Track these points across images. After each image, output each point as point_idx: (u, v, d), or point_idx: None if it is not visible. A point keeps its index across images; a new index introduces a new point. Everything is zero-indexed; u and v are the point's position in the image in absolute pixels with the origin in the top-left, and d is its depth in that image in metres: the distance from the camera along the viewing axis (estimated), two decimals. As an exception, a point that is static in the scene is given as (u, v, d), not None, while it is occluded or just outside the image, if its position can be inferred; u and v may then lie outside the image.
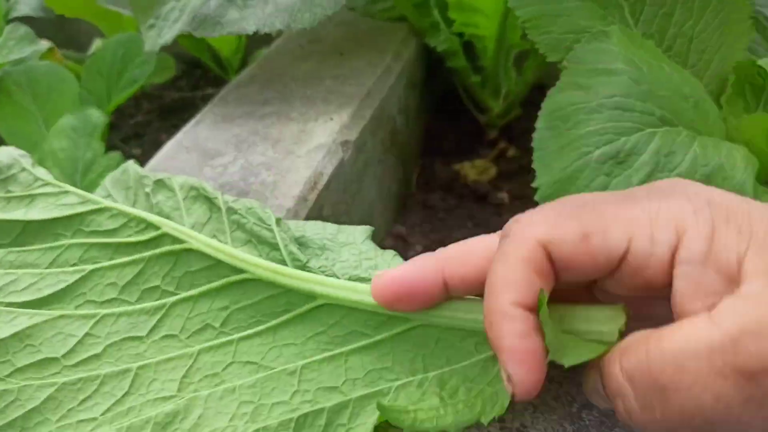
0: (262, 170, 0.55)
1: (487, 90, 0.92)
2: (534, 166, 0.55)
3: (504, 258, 0.28)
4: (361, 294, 0.35)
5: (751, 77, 0.63)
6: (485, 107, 0.93)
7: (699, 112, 0.55)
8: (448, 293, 0.32)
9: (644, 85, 0.53)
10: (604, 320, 0.29)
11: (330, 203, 0.56)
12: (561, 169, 0.53)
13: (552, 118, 0.55)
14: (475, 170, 0.89)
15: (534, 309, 0.27)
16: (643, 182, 0.50)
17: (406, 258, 0.76)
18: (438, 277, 0.31)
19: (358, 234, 0.45)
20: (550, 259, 0.27)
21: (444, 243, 0.79)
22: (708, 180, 0.50)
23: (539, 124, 0.55)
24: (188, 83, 1.14)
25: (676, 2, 0.61)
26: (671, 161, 0.50)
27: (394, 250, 0.78)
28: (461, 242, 0.33)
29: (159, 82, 1.08)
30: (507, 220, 0.31)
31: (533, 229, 0.28)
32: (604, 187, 0.51)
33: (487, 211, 0.83)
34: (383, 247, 0.78)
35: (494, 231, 0.88)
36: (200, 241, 0.39)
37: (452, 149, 0.94)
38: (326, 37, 0.81)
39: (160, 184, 0.42)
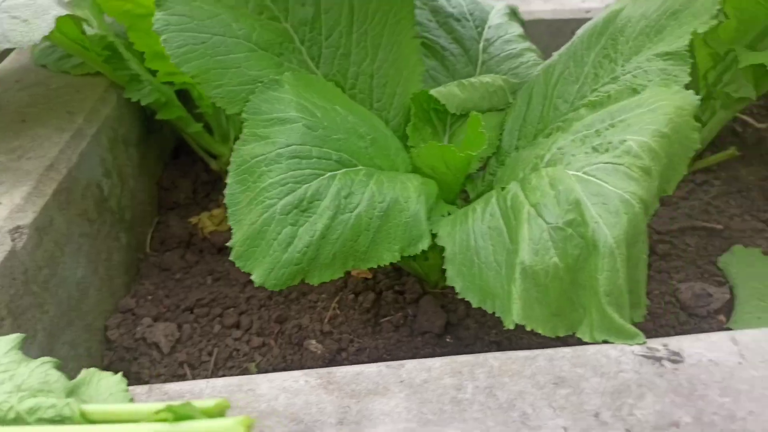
0: None
1: (215, 136, 0.89)
2: (230, 223, 0.53)
3: None
4: None
5: (433, 103, 0.68)
6: (216, 153, 0.90)
7: (377, 149, 0.57)
8: None
9: (319, 130, 0.54)
10: None
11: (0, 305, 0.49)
12: (250, 224, 0.51)
13: (240, 172, 0.53)
14: (213, 220, 0.86)
15: None
16: (327, 227, 0.51)
17: (132, 336, 0.70)
18: None
19: (2, 346, 0.39)
20: None
21: (179, 307, 0.75)
22: (385, 215, 0.52)
23: (229, 179, 0.54)
24: None
25: (351, 42, 0.64)
26: (351, 202, 0.52)
27: (122, 326, 0.72)
28: None
29: None
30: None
31: None
32: (292, 238, 0.50)
33: (228, 263, 0.80)
34: (108, 326, 0.71)
35: (235, 284, 0.82)
36: None
37: (189, 202, 0.90)
38: (7, 102, 0.72)
39: None
